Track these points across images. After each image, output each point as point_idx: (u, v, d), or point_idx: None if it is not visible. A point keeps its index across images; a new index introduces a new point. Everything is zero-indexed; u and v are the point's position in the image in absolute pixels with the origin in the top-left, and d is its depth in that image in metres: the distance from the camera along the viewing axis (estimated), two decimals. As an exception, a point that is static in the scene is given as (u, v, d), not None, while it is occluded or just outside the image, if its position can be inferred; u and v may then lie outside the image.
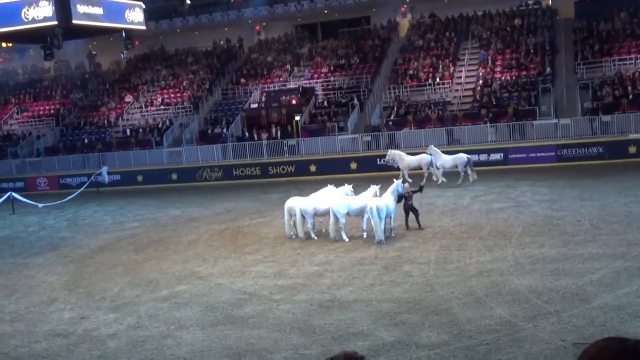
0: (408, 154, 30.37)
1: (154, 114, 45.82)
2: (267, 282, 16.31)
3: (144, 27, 26.53)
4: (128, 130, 44.40)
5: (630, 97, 33.77)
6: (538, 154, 32.75)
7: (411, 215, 20.16)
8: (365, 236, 19.52)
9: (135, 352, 12.59)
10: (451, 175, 29.00)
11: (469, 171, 28.11)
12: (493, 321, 12.27)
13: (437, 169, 28.82)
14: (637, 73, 35.37)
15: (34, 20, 22.18)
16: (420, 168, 29.36)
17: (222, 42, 52.79)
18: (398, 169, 29.72)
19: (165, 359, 12.07)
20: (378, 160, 35.03)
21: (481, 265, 15.91)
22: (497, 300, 13.41)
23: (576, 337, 11.16)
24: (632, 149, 30.93)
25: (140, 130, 43.88)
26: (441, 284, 14.88)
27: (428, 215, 21.80)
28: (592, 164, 30.41)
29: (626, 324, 11.57)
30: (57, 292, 17.38)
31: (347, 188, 20.99)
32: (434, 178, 28.73)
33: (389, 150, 30.99)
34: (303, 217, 20.27)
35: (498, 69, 39.76)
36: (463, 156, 28.62)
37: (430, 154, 29.08)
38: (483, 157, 33.30)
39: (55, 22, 22.12)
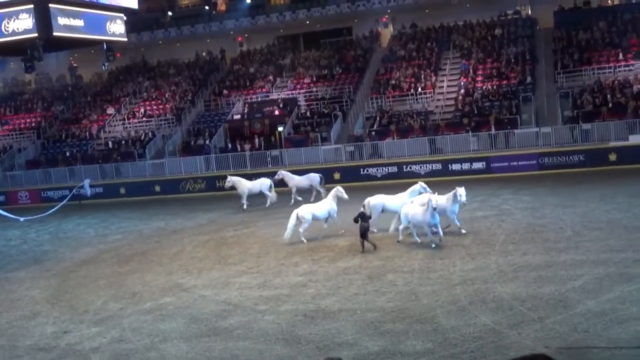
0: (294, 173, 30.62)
1: (136, 126, 45.67)
2: (252, 293, 16.27)
3: (125, 39, 26.42)
4: (110, 143, 44.18)
5: (610, 105, 34.13)
6: (520, 163, 32.97)
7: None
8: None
9: (119, 365, 12.49)
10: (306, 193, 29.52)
11: (322, 189, 28.82)
12: (477, 329, 12.32)
13: (292, 190, 29.49)
14: (616, 81, 35.77)
15: (14, 33, 22.03)
16: (310, 187, 29.57)
17: (204, 54, 52.77)
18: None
19: (149, 372, 11.99)
20: (361, 170, 35.12)
21: (465, 274, 15.97)
22: (481, 308, 13.46)
23: (560, 343, 11.23)
24: (613, 157, 31.22)
25: (123, 142, 43.68)
26: (425, 292, 14.92)
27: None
28: (573, 172, 30.66)
29: (609, 330, 11.66)
30: (39, 306, 17.22)
31: (419, 186, 21.11)
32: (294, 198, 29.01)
33: (228, 177, 30.35)
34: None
35: (479, 78, 40.06)
36: (316, 175, 29.79)
37: (281, 178, 29.54)
38: (465, 166, 33.48)
39: (36, 34, 21.98)
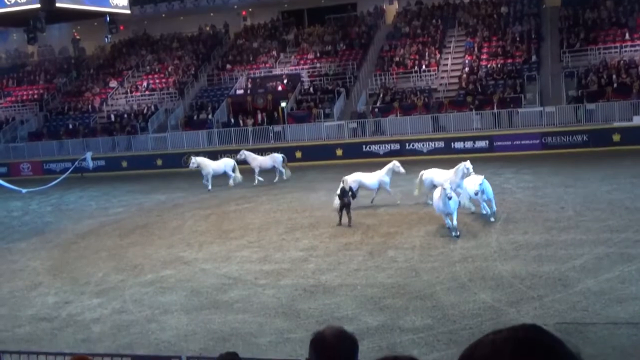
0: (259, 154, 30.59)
1: (138, 100, 45.53)
2: (252, 267, 16.33)
3: (128, 11, 26.33)
4: (112, 116, 44.09)
5: (615, 85, 33.92)
6: (523, 142, 32.86)
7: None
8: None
9: (120, 336, 12.59)
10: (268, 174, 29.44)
11: (284, 169, 28.98)
12: (476, 306, 12.38)
13: (254, 170, 29.29)
14: (621, 61, 35.53)
15: (16, 3, 21.95)
16: (274, 168, 29.44)
17: (207, 28, 52.43)
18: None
19: (149, 344, 12.08)
20: (363, 147, 35.05)
21: (465, 251, 16.01)
22: (480, 285, 13.52)
23: (558, 321, 11.28)
24: (616, 137, 31.09)
25: (125, 115, 43.59)
26: (425, 269, 14.97)
27: (413, 201, 21.86)
28: (576, 152, 30.59)
29: (608, 308, 11.71)
30: (41, 276, 17.31)
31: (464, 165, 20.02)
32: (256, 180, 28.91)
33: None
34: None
35: (484, 56, 39.79)
36: (279, 155, 29.71)
37: (244, 158, 29.41)
38: (468, 144, 33.38)
39: (39, 5, 21.89)
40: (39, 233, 23.06)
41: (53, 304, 14.94)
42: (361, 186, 21.90)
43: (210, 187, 28.42)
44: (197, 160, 29.07)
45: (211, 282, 15.48)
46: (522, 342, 1.60)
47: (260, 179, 28.99)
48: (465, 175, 19.48)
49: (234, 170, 29.03)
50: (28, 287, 16.41)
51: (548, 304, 12.15)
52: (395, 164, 22.19)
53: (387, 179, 22.06)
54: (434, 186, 20.16)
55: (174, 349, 11.51)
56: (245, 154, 29.71)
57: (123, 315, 13.75)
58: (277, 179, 28.99)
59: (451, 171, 20.42)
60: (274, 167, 29.46)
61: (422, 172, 21.41)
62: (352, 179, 21.50)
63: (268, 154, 31.14)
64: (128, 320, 13.38)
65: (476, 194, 18.24)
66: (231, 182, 28.82)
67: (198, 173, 29.29)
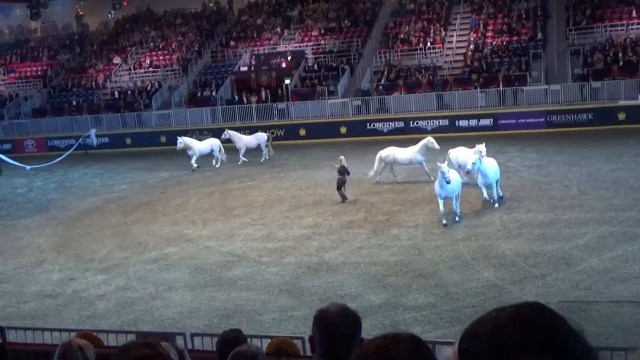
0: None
1: (142, 77, 45.39)
2: (256, 245, 16.37)
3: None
4: (116, 93, 43.99)
5: (621, 63, 33.68)
6: (527, 120, 32.72)
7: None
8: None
9: (124, 312, 12.66)
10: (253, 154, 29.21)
11: (268, 148, 28.88)
12: (479, 284, 12.41)
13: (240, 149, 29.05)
14: (628, 39, 35.25)
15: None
16: (259, 147, 29.16)
17: (211, 4, 52.08)
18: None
19: (154, 320, 12.15)
20: (368, 124, 34.95)
21: (469, 230, 16.02)
22: (484, 263, 13.53)
23: (561, 299, 11.30)
24: (622, 116, 30.94)
25: (129, 92, 43.49)
26: (429, 247, 14.99)
27: (419, 179, 21.84)
28: (581, 130, 30.46)
29: (611, 287, 11.72)
30: (45, 253, 17.38)
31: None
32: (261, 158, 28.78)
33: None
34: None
35: (489, 33, 39.50)
36: (263, 134, 29.55)
37: (228, 138, 29.17)
38: (473, 122, 33.26)
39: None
40: (43, 210, 23.13)
41: (58, 280, 15.02)
42: (395, 161, 21.98)
43: (195, 167, 28.27)
44: (183, 140, 29.00)
45: (215, 259, 15.53)
46: (525, 319, 1.60)
47: (245, 159, 28.76)
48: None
49: (219, 151, 28.89)
50: (33, 263, 16.49)
51: (551, 282, 12.17)
52: (429, 140, 21.99)
53: (419, 157, 21.85)
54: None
55: (178, 325, 11.57)
56: (229, 133, 29.42)
57: (127, 292, 13.82)
58: (263, 158, 28.74)
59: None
60: (259, 146, 29.18)
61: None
62: (386, 153, 21.80)
63: (247, 132, 30.80)
64: (132, 297, 13.45)
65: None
66: (215, 162, 28.70)
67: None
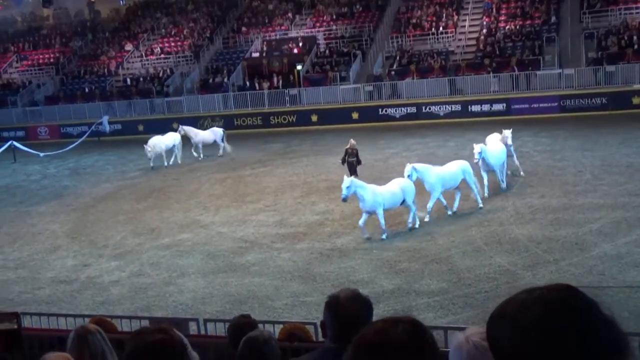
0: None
1: (154, 63, 45.43)
2: (269, 231, 16.41)
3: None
4: (128, 80, 44.08)
5: (636, 47, 33.34)
6: (541, 105, 32.50)
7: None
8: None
9: (138, 298, 12.75)
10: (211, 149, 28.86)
11: (225, 143, 28.44)
12: (492, 269, 12.38)
13: (197, 145, 28.60)
14: (643, 22, 34.87)
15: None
16: (215, 142, 28.80)
17: (222, -10, 51.95)
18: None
19: (167, 306, 12.23)
20: (380, 110, 34.84)
21: (481, 215, 15.98)
22: (496, 249, 13.51)
23: (575, 285, 11.25)
24: (636, 100, 30.67)
25: (141, 79, 43.56)
26: (441, 233, 14.97)
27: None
28: (595, 115, 30.21)
29: (624, 272, 11.67)
30: (60, 240, 17.51)
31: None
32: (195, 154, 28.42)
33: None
34: None
35: (502, 17, 39.18)
36: (219, 130, 29.22)
37: (184, 134, 28.63)
38: (485, 107, 33.07)
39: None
40: (57, 197, 23.27)
41: (72, 266, 15.14)
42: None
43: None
44: (185, 130, 28.96)
45: (228, 245, 15.59)
46: (553, 303, 1.55)
47: (196, 154, 28.30)
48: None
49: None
50: (47, 250, 16.62)
51: (564, 267, 12.13)
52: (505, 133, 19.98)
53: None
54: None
55: (191, 311, 11.64)
56: (184, 129, 28.94)
57: (141, 278, 13.92)
58: (221, 152, 28.40)
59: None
60: (215, 141, 28.76)
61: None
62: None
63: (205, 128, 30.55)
64: (146, 283, 13.54)
65: (477, 161, 17.80)
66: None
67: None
